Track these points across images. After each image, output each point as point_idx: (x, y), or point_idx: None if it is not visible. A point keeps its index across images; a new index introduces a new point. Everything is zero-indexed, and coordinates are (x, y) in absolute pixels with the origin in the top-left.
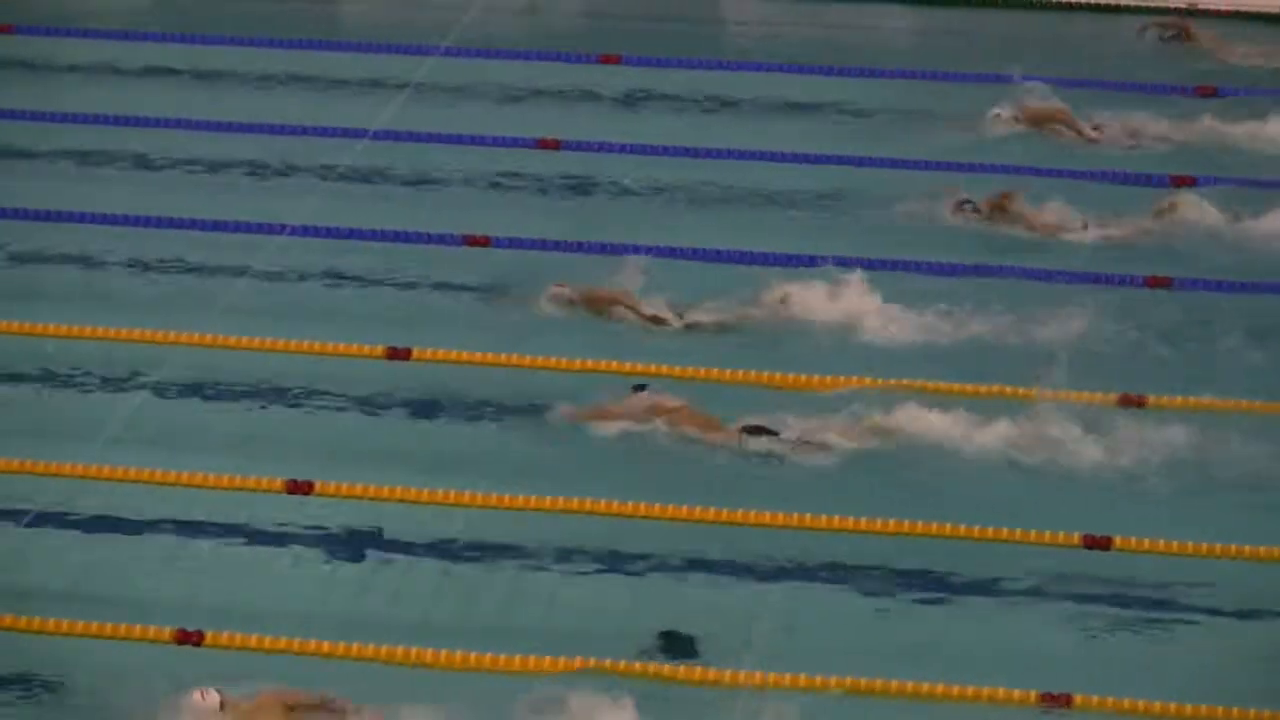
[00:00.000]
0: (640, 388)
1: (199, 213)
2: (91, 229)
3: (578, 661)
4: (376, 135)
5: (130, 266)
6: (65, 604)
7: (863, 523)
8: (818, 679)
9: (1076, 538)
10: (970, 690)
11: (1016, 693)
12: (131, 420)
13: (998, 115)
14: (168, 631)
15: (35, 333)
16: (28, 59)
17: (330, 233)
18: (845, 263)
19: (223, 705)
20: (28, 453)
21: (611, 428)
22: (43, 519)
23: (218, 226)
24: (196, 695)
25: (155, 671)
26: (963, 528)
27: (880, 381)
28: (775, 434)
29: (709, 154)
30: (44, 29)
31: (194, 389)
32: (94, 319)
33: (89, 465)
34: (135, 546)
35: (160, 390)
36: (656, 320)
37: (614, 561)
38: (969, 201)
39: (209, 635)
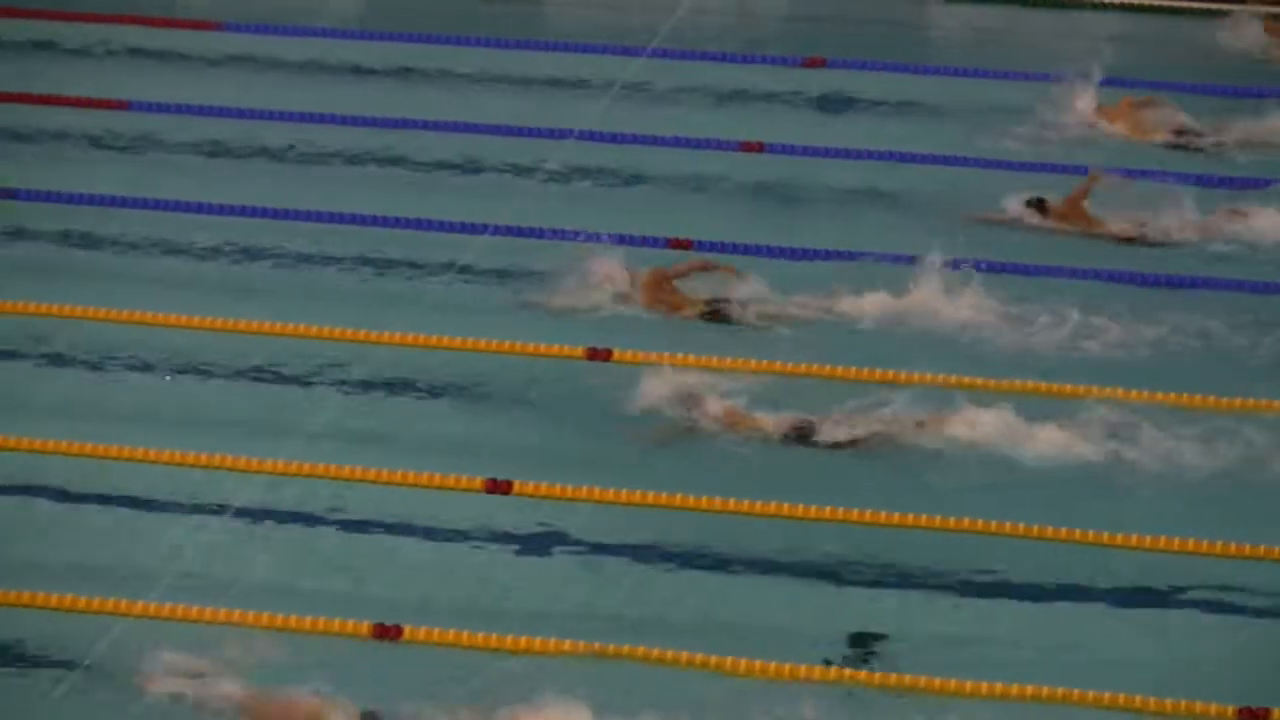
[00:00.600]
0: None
1: (404, 210)
2: (300, 226)
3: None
4: (581, 136)
5: (338, 263)
6: (273, 598)
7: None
8: (998, 686)
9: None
10: (1154, 701)
11: (1214, 706)
12: (334, 417)
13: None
14: (365, 626)
15: (250, 330)
16: (238, 55)
17: (533, 233)
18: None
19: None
20: (230, 448)
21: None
22: (243, 514)
23: (421, 225)
24: None
25: (353, 669)
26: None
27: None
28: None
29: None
30: (252, 26)
31: (396, 386)
32: (305, 316)
33: (289, 462)
34: (333, 542)
35: (365, 386)
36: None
37: (796, 566)
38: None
39: (407, 630)
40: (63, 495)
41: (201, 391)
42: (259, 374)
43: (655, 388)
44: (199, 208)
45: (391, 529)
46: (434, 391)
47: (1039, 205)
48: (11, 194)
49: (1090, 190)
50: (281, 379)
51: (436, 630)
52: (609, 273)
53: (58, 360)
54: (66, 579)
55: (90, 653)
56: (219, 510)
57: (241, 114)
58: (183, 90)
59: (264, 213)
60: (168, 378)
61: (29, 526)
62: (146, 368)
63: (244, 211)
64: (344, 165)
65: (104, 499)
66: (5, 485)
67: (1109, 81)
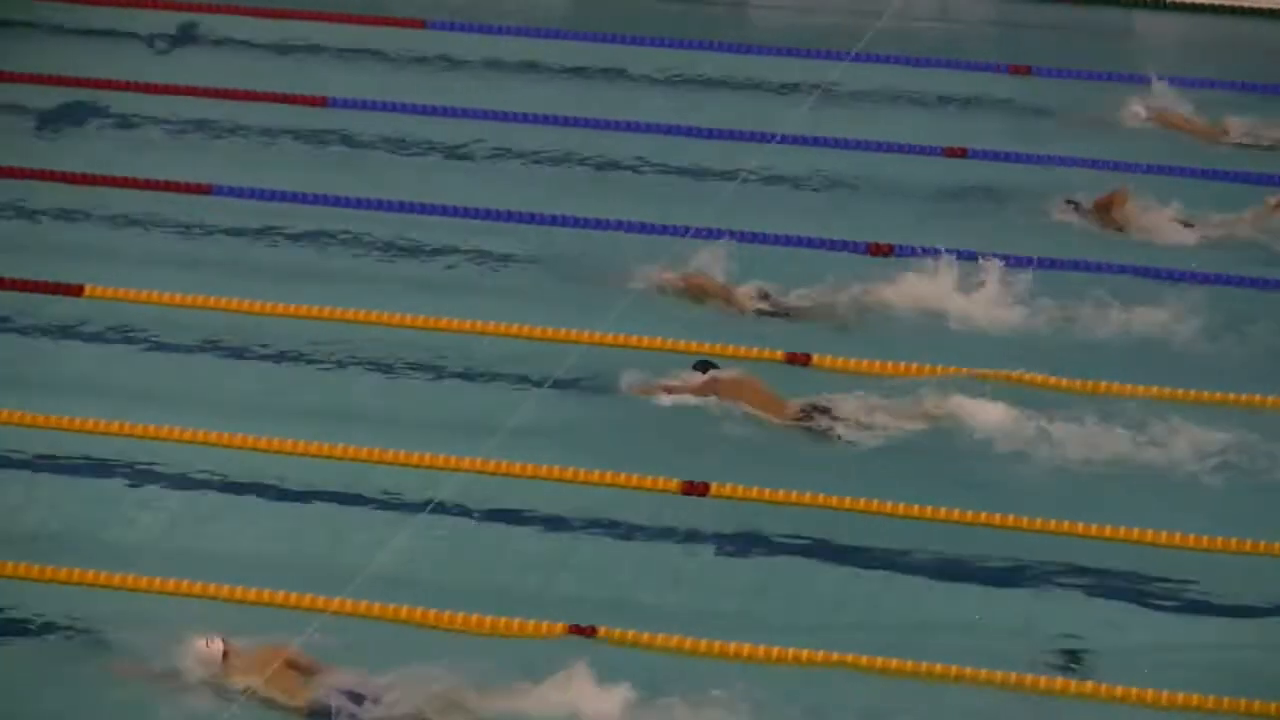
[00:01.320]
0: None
1: (604, 213)
2: (496, 225)
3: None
4: (784, 140)
5: (534, 263)
6: (456, 597)
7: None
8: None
9: None
10: None
11: None
12: (533, 417)
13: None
14: (560, 626)
15: (450, 329)
16: (444, 54)
17: (736, 235)
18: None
19: (226, 655)
20: (430, 446)
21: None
22: (440, 508)
23: (621, 226)
24: (201, 644)
25: (540, 657)
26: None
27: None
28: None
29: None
30: (456, 24)
31: (592, 388)
32: (502, 315)
33: (488, 460)
34: (527, 541)
35: (562, 386)
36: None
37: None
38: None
39: (601, 630)
40: (278, 493)
41: (403, 390)
42: (465, 374)
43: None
44: (400, 206)
45: (586, 527)
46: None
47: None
48: (208, 189)
49: (1125, 200)
50: (481, 378)
51: (631, 632)
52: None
53: (294, 358)
54: (273, 573)
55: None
56: (419, 509)
57: (442, 112)
58: (384, 88)
59: (458, 212)
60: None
61: (261, 524)
62: (386, 368)
63: (444, 211)
64: (547, 165)
65: (317, 495)
66: (240, 482)
67: None
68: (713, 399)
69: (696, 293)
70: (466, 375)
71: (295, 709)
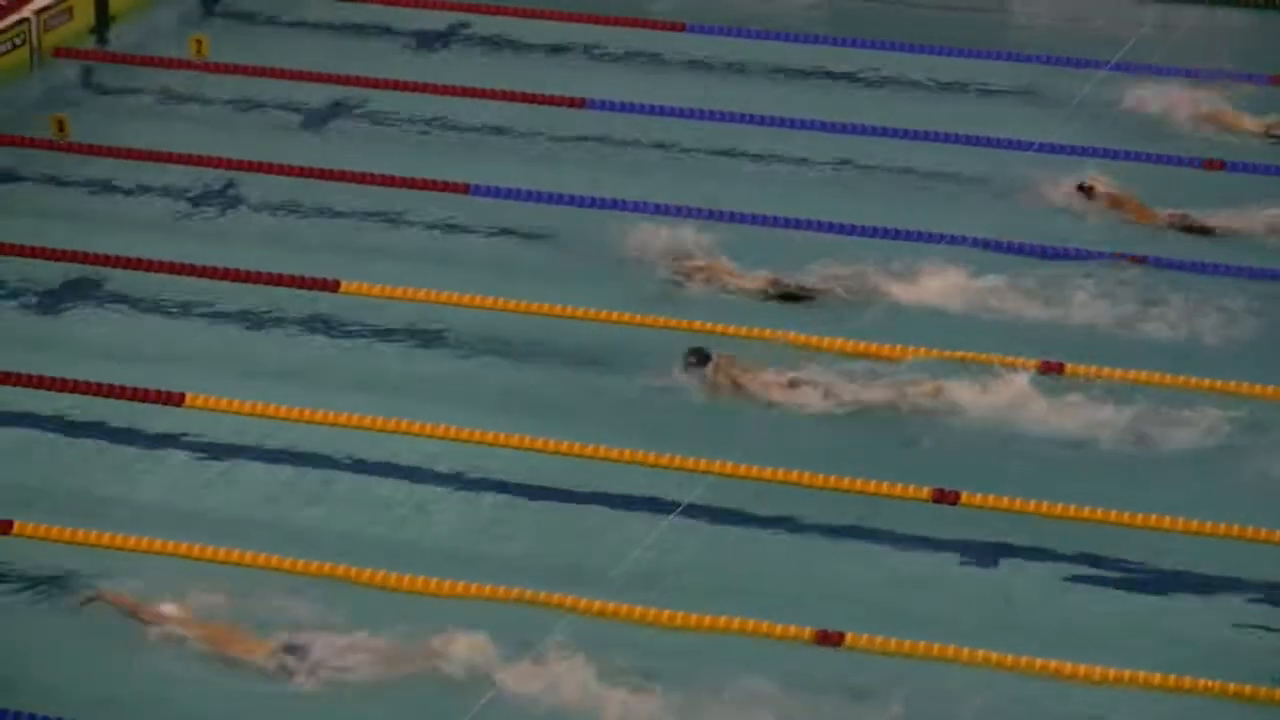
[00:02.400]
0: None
1: (846, 216)
2: (725, 226)
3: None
4: (1041, 149)
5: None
6: (698, 599)
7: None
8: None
9: None
10: None
11: None
12: (776, 425)
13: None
14: (808, 631)
15: (682, 328)
16: (699, 59)
17: (984, 245)
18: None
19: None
20: (689, 448)
21: None
22: (694, 511)
23: (863, 232)
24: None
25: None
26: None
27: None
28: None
29: None
30: (716, 28)
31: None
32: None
33: (738, 465)
34: (776, 546)
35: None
36: None
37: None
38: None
39: (849, 637)
40: (538, 492)
41: (663, 394)
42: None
43: None
44: (656, 209)
45: (836, 533)
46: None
47: (1088, 191)
48: (465, 188)
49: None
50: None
51: (866, 636)
52: None
53: (543, 356)
54: (527, 573)
55: (542, 644)
56: (669, 508)
57: (700, 115)
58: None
59: (713, 215)
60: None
61: (517, 523)
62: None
63: (707, 215)
64: (794, 167)
65: (566, 494)
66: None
67: None
68: None
69: None
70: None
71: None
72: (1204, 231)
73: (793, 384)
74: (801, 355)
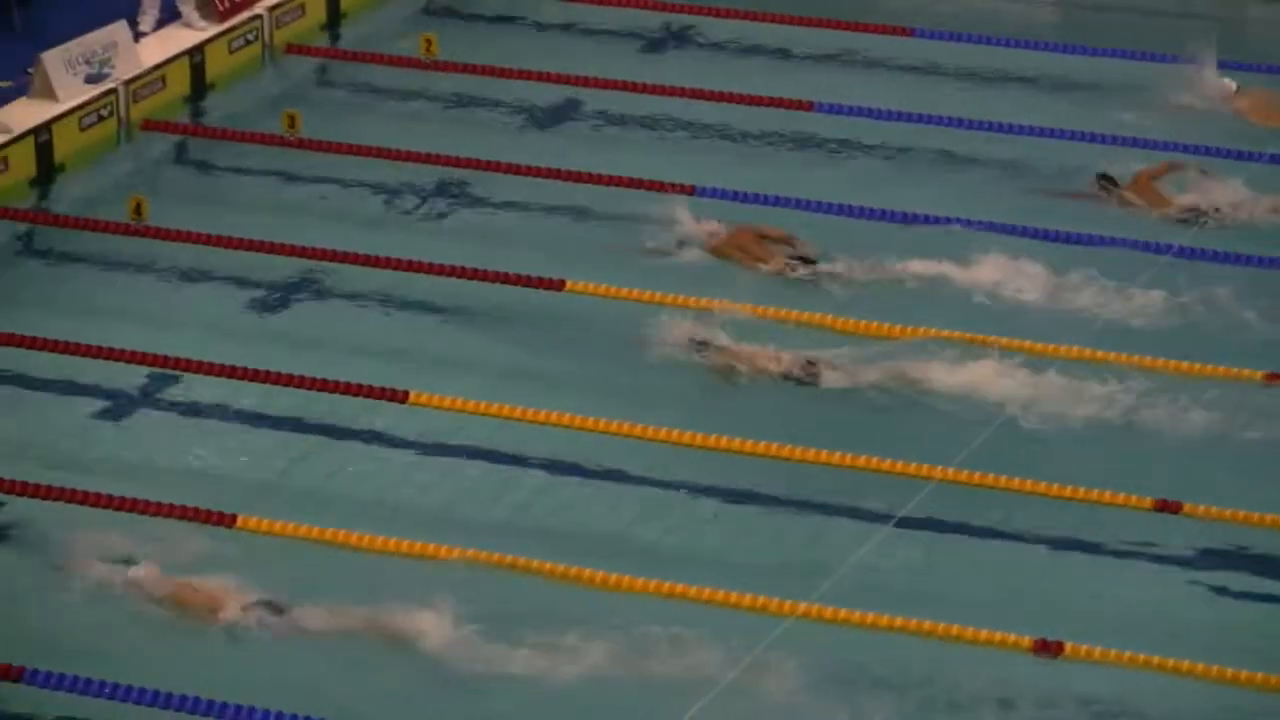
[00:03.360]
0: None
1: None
2: (879, 227)
3: None
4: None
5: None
6: (922, 603)
7: None
8: None
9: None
10: None
11: None
12: (994, 434)
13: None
14: (1026, 640)
15: (917, 336)
16: (930, 61)
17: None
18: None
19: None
20: (889, 453)
21: None
22: (905, 522)
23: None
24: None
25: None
26: None
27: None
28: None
29: None
30: (942, 33)
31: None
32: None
33: (949, 469)
34: (985, 551)
35: (1028, 409)
36: None
37: None
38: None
39: (1068, 646)
40: (749, 496)
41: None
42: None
43: None
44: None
45: (1057, 544)
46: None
47: (1109, 181)
48: (691, 189)
49: (1162, 174)
50: (939, 396)
51: (1098, 649)
52: None
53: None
54: (742, 575)
55: (759, 647)
56: (884, 519)
57: (926, 120)
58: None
59: (943, 220)
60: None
61: (731, 526)
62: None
63: (934, 220)
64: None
65: (791, 502)
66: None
67: None
68: None
69: None
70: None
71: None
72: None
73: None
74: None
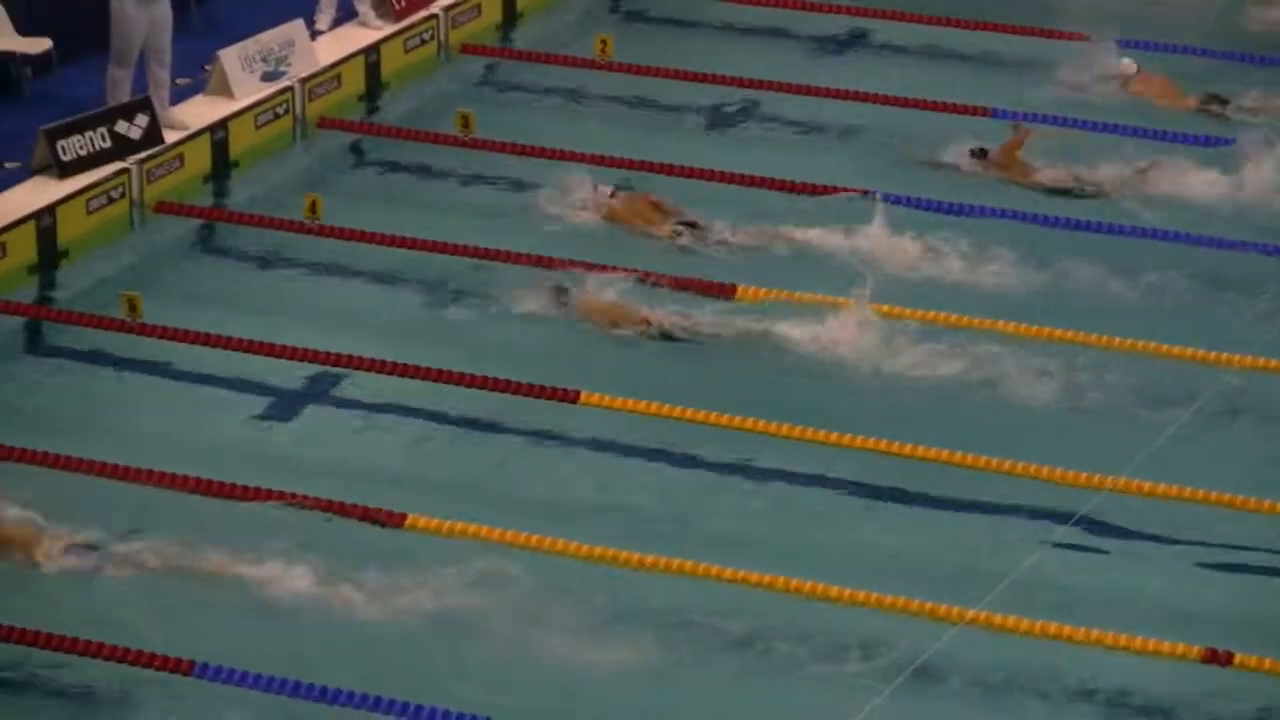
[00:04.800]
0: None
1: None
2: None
3: None
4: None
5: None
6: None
7: None
8: None
9: None
10: None
11: None
12: (1171, 440)
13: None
14: (1195, 650)
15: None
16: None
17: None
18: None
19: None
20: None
21: None
22: (1084, 523)
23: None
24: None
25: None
26: None
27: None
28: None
29: None
30: (1124, 41)
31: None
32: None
33: (1123, 479)
34: (1169, 562)
35: (1207, 413)
36: None
37: None
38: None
39: (1238, 657)
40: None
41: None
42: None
43: None
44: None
45: (1236, 550)
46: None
47: (981, 154)
48: (864, 194)
49: (1021, 143)
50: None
51: (1268, 660)
52: None
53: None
54: (909, 580)
55: (922, 655)
56: (1064, 519)
57: (1112, 129)
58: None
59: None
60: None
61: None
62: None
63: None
64: None
65: (965, 505)
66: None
67: None
68: None
69: None
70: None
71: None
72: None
73: None
74: None
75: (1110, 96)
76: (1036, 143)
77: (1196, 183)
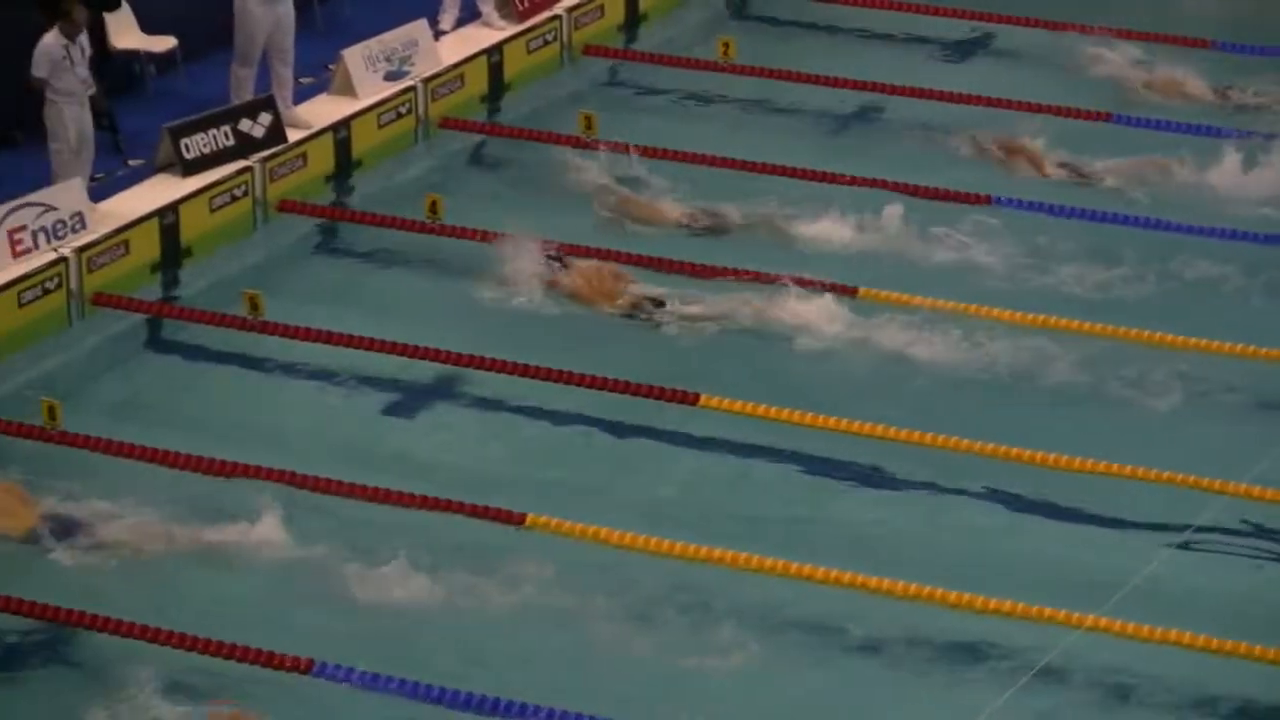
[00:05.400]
0: None
1: None
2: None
3: None
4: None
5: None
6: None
7: None
8: None
9: None
10: None
11: None
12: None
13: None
14: None
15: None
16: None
17: None
18: None
19: None
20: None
21: None
22: (1205, 529)
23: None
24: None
25: None
26: None
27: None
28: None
29: None
30: (1240, 46)
31: None
32: None
33: (1244, 485)
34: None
35: None
36: None
37: None
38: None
39: None
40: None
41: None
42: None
43: None
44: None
45: None
46: None
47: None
48: (988, 200)
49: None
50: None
51: None
52: None
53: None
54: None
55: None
56: (1184, 526)
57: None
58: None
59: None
60: None
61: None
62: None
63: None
64: None
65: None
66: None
67: None
68: None
69: None
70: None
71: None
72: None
73: None
74: None
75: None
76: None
77: None
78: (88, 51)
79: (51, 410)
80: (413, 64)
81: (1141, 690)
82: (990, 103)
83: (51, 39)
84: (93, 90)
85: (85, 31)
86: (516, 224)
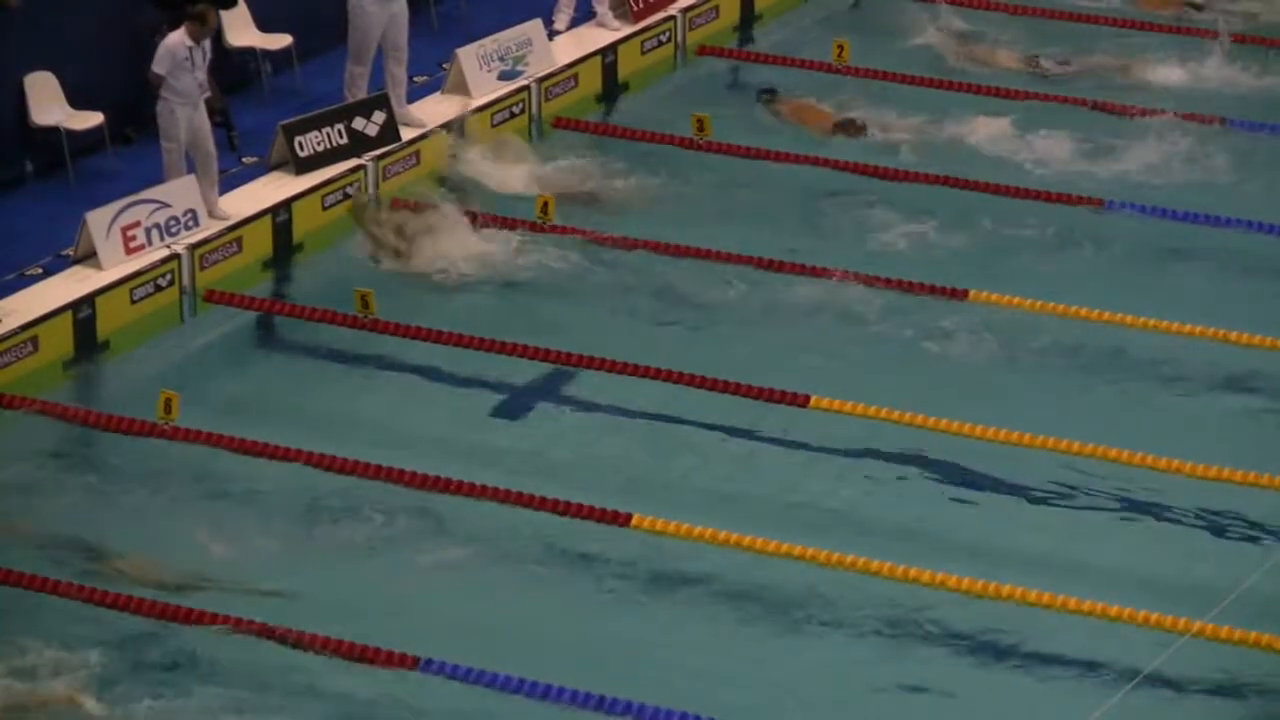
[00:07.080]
0: None
1: None
2: None
3: None
4: None
5: None
6: None
7: None
8: None
9: None
10: None
11: None
12: None
13: None
14: None
15: None
16: None
17: None
18: None
19: None
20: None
21: None
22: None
23: None
24: None
25: None
26: None
27: None
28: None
29: None
30: None
31: None
32: None
33: None
34: None
35: None
36: None
37: None
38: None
39: None
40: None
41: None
42: None
43: None
44: None
45: None
46: None
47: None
48: (1101, 203)
49: None
50: None
51: None
52: None
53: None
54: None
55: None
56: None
57: None
58: None
59: None
60: None
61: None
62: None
63: None
64: None
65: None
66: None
67: None
68: None
69: None
70: None
71: None
72: None
73: None
74: None
75: None
76: None
77: None
78: (209, 56)
79: (168, 403)
80: (527, 64)
81: (1247, 697)
82: (1113, 109)
83: (177, 38)
84: (207, 94)
85: (210, 37)
86: (630, 227)
